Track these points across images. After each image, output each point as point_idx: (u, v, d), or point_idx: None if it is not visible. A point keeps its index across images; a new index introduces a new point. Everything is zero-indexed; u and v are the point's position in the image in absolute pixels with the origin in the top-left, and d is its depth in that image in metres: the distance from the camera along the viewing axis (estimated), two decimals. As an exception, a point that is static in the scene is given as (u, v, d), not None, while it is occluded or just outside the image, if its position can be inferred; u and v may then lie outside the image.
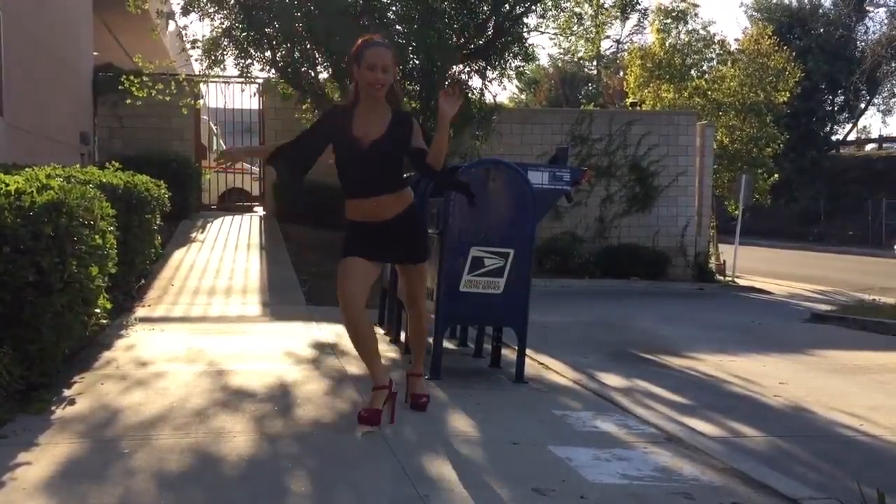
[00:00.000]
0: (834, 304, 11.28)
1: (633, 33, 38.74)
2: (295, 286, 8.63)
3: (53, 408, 3.72)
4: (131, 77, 12.71)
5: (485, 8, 11.48)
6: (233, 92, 15.28)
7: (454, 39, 11.25)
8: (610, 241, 14.86)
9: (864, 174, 33.87)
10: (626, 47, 36.24)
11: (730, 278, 15.41)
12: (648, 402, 4.95)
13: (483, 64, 11.90)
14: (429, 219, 5.19)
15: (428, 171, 3.76)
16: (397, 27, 10.69)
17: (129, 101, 12.80)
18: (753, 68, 18.06)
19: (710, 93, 17.81)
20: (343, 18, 9.97)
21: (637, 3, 14.75)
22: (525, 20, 12.10)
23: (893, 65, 36.84)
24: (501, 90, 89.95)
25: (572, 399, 4.61)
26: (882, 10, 42.60)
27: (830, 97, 37.27)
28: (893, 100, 39.57)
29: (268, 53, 11.36)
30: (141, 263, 7.63)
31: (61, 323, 3.94)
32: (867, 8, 37.54)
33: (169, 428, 3.49)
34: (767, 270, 17.53)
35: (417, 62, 10.94)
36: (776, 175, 18.62)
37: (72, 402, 3.85)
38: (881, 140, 39.33)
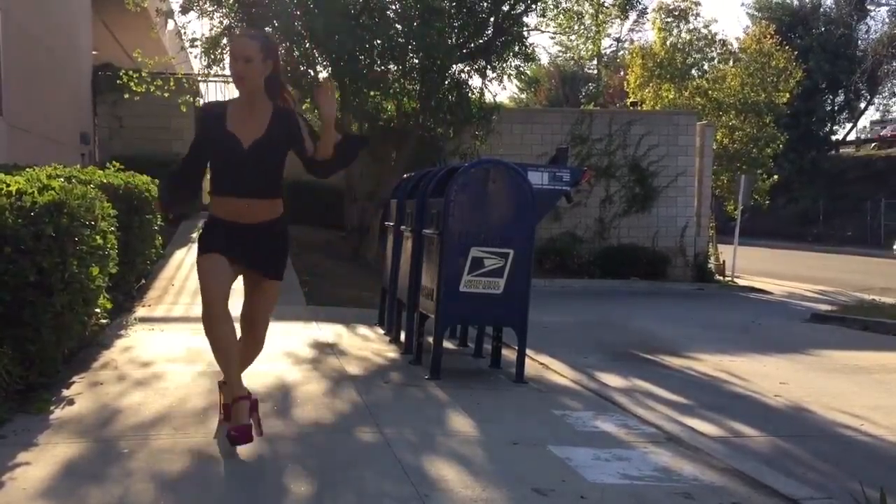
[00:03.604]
0: (834, 304, 11.28)
1: (632, 31, 38.79)
2: (295, 286, 8.62)
3: (53, 408, 3.71)
4: (130, 72, 12.70)
5: (485, 7, 11.48)
6: (232, 91, 15.27)
7: (454, 39, 11.25)
8: (610, 241, 14.86)
9: (864, 174, 33.88)
10: (626, 46, 36.28)
11: (729, 278, 15.41)
12: (648, 402, 4.95)
13: (483, 63, 11.90)
14: (429, 219, 5.20)
15: (319, 167, 3.45)
16: (397, 26, 10.68)
17: (126, 97, 12.75)
18: (755, 67, 18.06)
19: (710, 92, 17.81)
20: (343, 18, 9.97)
21: (637, 2, 14.76)
22: (525, 19, 12.12)
23: (894, 64, 36.84)
24: (501, 90, 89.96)
25: (572, 399, 4.61)
26: (883, 10, 42.57)
27: (831, 97, 37.30)
28: (893, 100, 39.63)
29: (267, 52, 11.34)
30: (141, 263, 7.62)
31: (61, 323, 3.93)
32: (868, 7, 37.56)
33: (168, 428, 3.49)
34: (767, 270, 17.53)
35: (417, 61, 10.94)
36: (776, 176, 18.61)
37: (71, 402, 3.84)
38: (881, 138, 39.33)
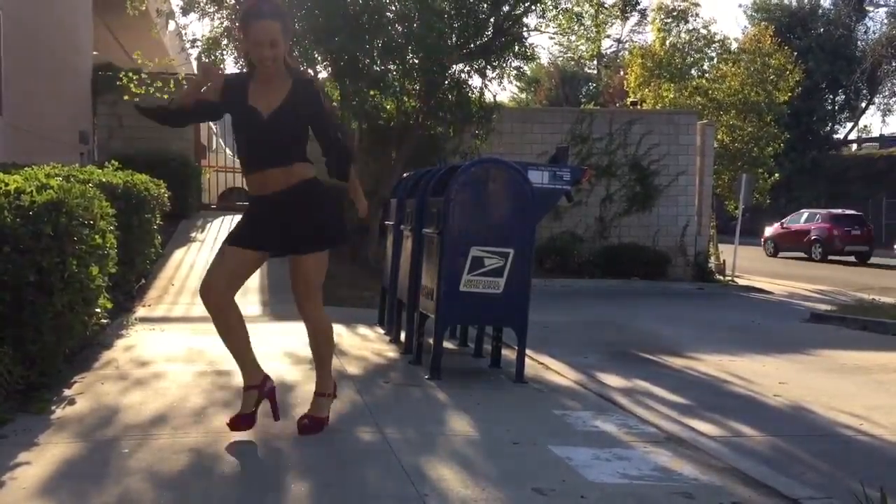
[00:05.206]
0: (834, 304, 11.28)
1: (632, 31, 38.82)
2: (295, 286, 8.62)
3: (54, 408, 3.71)
4: (129, 74, 12.67)
5: (484, 7, 11.48)
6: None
7: (454, 39, 11.24)
8: (610, 240, 14.86)
9: (865, 174, 33.85)
10: (626, 46, 36.29)
11: (730, 278, 15.40)
12: (648, 402, 4.95)
13: (483, 63, 11.89)
14: (429, 218, 5.19)
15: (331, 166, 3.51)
16: (396, 27, 10.68)
17: (126, 98, 12.71)
18: (755, 67, 18.06)
19: (710, 92, 17.81)
20: (343, 18, 9.97)
21: (637, 2, 14.75)
22: (525, 20, 12.10)
23: (893, 64, 36.84)
24: (501, 90, 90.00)
25: (572, 399, 4.61)
26: (882, 10, 42.59)
27: (831, 97, 37.31)
28: (894, 99, 39.61)
29: (267, 53, 11.34)
30: (141, 263, 7.62)
31: (62, 323, 3.93)
32: (867, 8, 37.56)
33: (168, 428, 3.49)
34: (767, 270, 17.52)
35: (417, 62, 10.94)
36: (776, 175, 18.62)
37: (72, 401, 3.85)
38: (882, 139, 39.34)
